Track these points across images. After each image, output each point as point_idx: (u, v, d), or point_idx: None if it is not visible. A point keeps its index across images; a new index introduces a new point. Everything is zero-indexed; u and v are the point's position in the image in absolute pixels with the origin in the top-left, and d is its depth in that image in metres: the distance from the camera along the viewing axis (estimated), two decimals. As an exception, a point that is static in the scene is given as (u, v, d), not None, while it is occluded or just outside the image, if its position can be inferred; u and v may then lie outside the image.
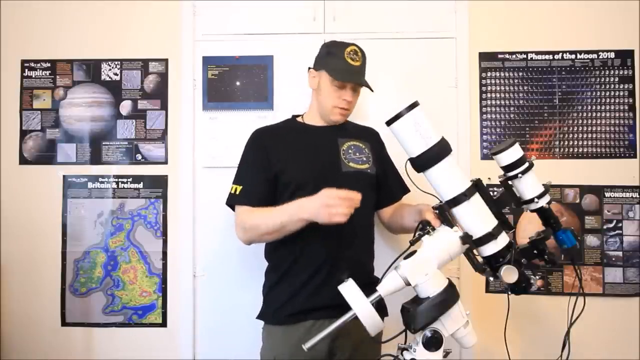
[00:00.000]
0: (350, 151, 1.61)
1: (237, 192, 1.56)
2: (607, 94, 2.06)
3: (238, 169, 1.64)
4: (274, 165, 1.56)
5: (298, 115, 1.74)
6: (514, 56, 2.08)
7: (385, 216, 1.73)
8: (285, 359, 1.51)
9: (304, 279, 1.52)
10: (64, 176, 2.09)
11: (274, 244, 1.59)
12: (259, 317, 1.63)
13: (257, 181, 1.56)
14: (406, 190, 1.71)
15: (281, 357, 1.52)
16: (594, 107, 2.06)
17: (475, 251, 1.26)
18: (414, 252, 1.23)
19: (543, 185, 1.30)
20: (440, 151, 1.22)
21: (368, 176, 1.61)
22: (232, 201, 1.59)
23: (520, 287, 1.27)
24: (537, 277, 2.02)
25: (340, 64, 1.57)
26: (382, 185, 1.67)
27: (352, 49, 1.59)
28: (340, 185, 1.53)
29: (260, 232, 1.50)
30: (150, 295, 2.06)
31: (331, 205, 1.31)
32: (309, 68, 1.67)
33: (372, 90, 1.62)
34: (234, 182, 1.60)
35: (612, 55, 2.06)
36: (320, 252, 1.50)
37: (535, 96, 2.07)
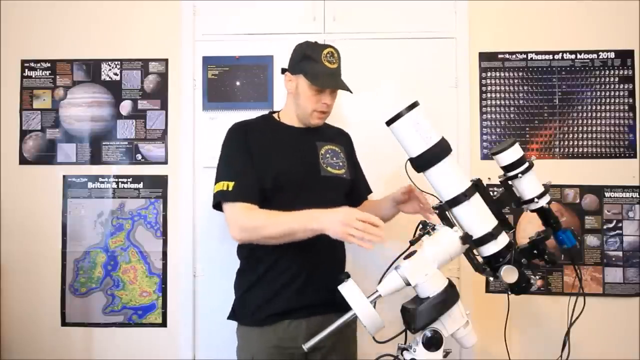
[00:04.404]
0: (327, 155, 1.61)
1: (230, 189, 1.46)
2: (607, 94, 2.05)
3: (224, 164, 1.54)
4: (257, 163, 1.51)
5: (275, 112, 1.68)
6: (514, 56, 2.08)
7: None
8: (263, 357, 1.49)
9: (284, 280, 1.50)
10: (64, 176, 2.09)
11: (252, 244, 1.53)
12: (232, 317, 1.59)
13: (250, 176, 1.48)
14: (370, 191, 1.78)
15: (259, 355, 1.49)
16: (594, 107, 2.06)
17: (475, 251, 1.26)
18: (414, 252, 1.23)
19: (543, 185, 1.30)
20: (440, 151, 1.22)
21: (344, 181, 1.62)
22: (225, 198, 1.47)
23: (520, 287, 1.27)
24: (537, 277, 2.02)
25: (318, 68, 1.52)
26: (352, 187, 1.68)
27: (329, 51, 1.54)
28: (319, 189, 1.54)
29: (263, 235, 1.42)
30: (150, 295, 2.06)
31: (349, 224, 1.25)
32: (284, 71, 1.61)
33: (351, 92, 1.56)
34: (222, 179, 1.49)
35: (612, 55, 2.06)
36: (300, 254, 1.48)
37: (535, 96, 2.07)
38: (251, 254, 1.57)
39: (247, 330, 1.55)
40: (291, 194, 1.49)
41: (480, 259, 1.28)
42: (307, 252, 1.48)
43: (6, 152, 2.10)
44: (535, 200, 1.29)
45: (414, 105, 1.21)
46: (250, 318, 1.54)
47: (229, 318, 1.59)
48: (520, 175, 1.28)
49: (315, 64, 1.52)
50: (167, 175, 2.09)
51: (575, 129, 2.06)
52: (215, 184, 1.51)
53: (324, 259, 1.50)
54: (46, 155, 2.10)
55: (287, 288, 1.50)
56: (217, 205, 1.53)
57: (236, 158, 1.52)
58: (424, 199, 1.54)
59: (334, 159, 1.62)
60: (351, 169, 1.67)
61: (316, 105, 1.55)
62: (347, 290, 1.19)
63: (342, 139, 1.72)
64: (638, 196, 2.02)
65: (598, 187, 2.03)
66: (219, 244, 2.04)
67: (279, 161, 1.53)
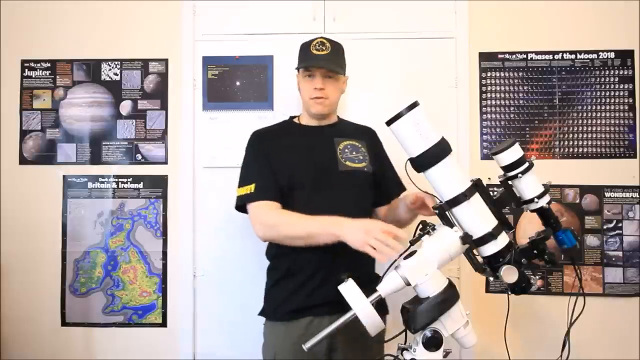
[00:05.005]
0: (346, 150, 1.63)
1: (252, 190, 1.55)
2: (607, 94, 2.05)
3: (244, 170, 1.63)
4: (273, 165, 1.58)
5: (295, 116, 1.75)
6: (514, 56, 2.08)
7: (381, 214, 1.74)
8: (285, 355, 1.51)
9: (303, 278, 1.53)
10: (64, 176, 2.09)
11: (275, 243, 1.60)
12: (261, 313, 1.64)
13: (269, 177, 1.56)
14: (402, 189, 1.70)
15: (281, 353, 1.53)
16: (594, 107, 2.06)
17: (475, 251, 1.26)
18: (414, 252, 1.23)
19: (543, 185, 1.30)
20: (440, 151, 1.22)
21: (364, 174, 1.62)
22: (249, 199, 1.55)
23: (520, 287, 1.27)
24: (537, 277, 2.02)
25: (306, 56, 1.62)
26: (379, 184, 1.67)
27: (319, 40, 1.62)
28: (337, 185, 1.55)
29: (283, 233, 1.49)
30: (150, 295, 2.06)
31: (371, 233, 1.27)
32: None
33: (342, 74, 1.64)
34: (245, 183, 1.58)
35: (612, 55, 2.06)
36: (320, 252, 1.50)
37: (535, 96, 2.07)
38: (277, 252, 1.61)
39: (272, 326, 1.60)
40: (307, 191, 1.54)
41: (480, 259, 1.28)
42: (329, 251, 1.48)
43: (6, 152, 2.10)
44: (535, 200, 1.28)
45: (414, 105, 1.21)
46: (274, 314, 1.59)
47: (259, 314, 1.64)
48: (520, 175, 1.27)
49: (305, 53, 1.62)
50: (167, 175, 2.09)
51: (575, 129, 2.06)
52: (238, 188, 1.60)
53: (346, 258, 1.49)
54: (46, 155, 2.10)
55: (306, 285, 1.52)
56: (240, 208, 1.62)
57: (254, 163, 1.62)
58: (431, 201, 1.44)
59: (354, 153, 1.63)
60: (376, 164, 1.66)
61: (310, 92, 1.60)
62: (347, 290, 1.18)
63: (364, 135, 1.71)
64: (638, 196, 2.02)
65: (598, 187, 2.03)
66: (219, 244, 2.04)
67: (292, 161, 1.58)
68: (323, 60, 1.58)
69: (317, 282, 1.51)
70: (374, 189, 1.66)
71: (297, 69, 1.65)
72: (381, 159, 1.71)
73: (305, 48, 1.64)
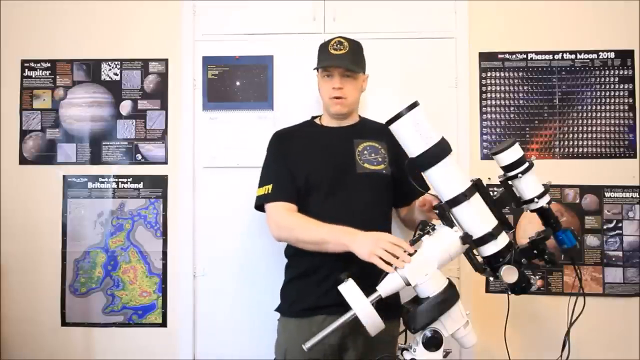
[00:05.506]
0: (365, 152, 1.63)
1: (270, 191, 1.58)
2: (607, 94, 2.05)
3: (264, 171, 1.67)
4: (291, 166, 1.59)
5: (317, 117, 1.76)
6: (514, 56, 2.07)
7: (402, 214, 1.76)
8: (296, 353, 1.51)
9: (318, 278, 1.53)
10: (64, 176, 2.09)
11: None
12: (277, 309, 1.66)
13: (287, 179, 1.58)
14: (424, 188, 1.67)
15: (292, 350, 1.53)
16: (594, 107, 2.05)
17: (475, 251, 1.26)
18: (414, 252, 1.23)
19: (543, 185, 1.31)
20: (440, 151, 1.22)
21: (382, 177, 1.61)
22: (266, 200, 1.58)
23: (520, 287, 1.27)
24: (537, 277, 2.02)
25: (324, 56, 1.63)
26: (400, 185, 1.66)
27: (337, 40, 1.63)
28: (354, 187, 1.55)
29: (296, 236, 1.52)
30: (150, 295, 2.06)
31: (378, 244, 1.28)
32: None
33: (361, 73, 1.64)
34: (264, 184, 1.62)
35: (612, 55, 2.06)
36: (337, 254, 1.49)
37: (535, 96, 2.07)
38: (295, 252, 1.62)
39: (286, 322, 1.62)
40: (323, 193, 1.55)
41: (480, 259, 1.28)
42: (345, 253, 1.47)
43: (6, 152, 2.10)
44: (535, 200, 1.29)
45: (414, 105, 1.21)
46: (289, 310, 1.61)
47: (275, 310, 1.66)
48: (520, 175, 1.28)
49: (323, 54, 1.64)
50: (167, 175, 2.08)
51: (575, 129, 2.06)
52: (258, 188, 1.64)
53: (362, 262, 1.48)
54: (46, 155, 2.10)
55: (321, 285, 1.52)
56: (259, 208, 1.66)
57: (273, 164, 1.65)
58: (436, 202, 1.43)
59: (373, 155, 1.63)
60: (396, 165, 1.64)
61: (329, 92, 1.61)
62: (347, 290, 1.19)
63: (385, 135, 1.62)
64: (638, 196, 2.02)
65: (598, 187, 2.03)
66: (219, 244, 2.04)
67: (310, 162, 1.59)
68: (341, 59, 1.59)
69: (331, 282, 1.49)
70: (393, 190, 1.65)
71: (316, 69, 1.66)
72: (402, 159, 1.68)
73: (323, 48, 1.65)
